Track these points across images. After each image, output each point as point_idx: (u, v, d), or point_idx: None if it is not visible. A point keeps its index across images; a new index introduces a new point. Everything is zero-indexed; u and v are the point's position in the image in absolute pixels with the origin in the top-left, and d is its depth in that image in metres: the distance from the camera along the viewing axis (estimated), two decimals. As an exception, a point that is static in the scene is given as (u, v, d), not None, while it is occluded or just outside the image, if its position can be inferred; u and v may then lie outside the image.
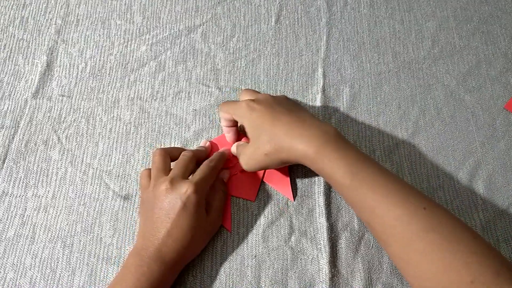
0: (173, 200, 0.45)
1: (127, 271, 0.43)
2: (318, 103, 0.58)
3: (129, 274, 0.43)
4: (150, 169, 0.50)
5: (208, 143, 0.55)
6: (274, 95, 0.52)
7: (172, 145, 0.56)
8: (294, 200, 0.52)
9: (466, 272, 0.36)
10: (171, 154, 0.50)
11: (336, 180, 0.43)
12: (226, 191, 0.52)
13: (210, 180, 0.49)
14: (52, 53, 0.63)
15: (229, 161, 0.54)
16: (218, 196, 0.50)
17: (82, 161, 0.55)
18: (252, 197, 0.52)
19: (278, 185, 0.53)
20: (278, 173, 0.53)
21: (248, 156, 0.48)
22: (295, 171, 0.54)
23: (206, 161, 0.50)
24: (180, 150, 0.51)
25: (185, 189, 0.45)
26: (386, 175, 0.42)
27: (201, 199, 0.46)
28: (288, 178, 0.53)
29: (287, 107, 0.48)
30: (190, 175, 0.48)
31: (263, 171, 0.54)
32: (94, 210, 0.52)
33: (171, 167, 0.49)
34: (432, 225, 0.38)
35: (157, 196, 0.46)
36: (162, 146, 0.56)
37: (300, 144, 0.44)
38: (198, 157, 0.51)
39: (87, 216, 0.52)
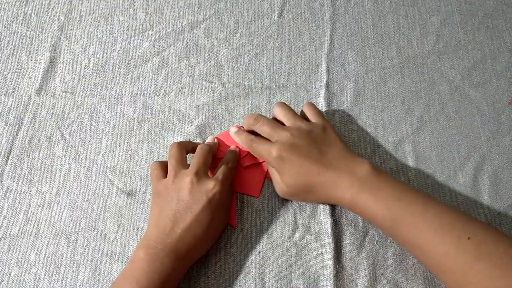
0: (198, 195, 0.45)
1: (137, 265, 0.42)
2: (321, 98, 0.57)
3: (140, 269, 0.42)
4: (161, 162, 0.50)
5: (215, 140, 0.54)
6: (312, 122, 0.51)
7: (175, 141, 0.55)
8: None
9: None
10: (186, 148, 0.51)
11: (377, 223, 0.44)
12: (232, 190, 0.52)
13: (230, 180, 0.49)
14: (55, 50, 0.63)
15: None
16: (229, 195, 0.50)
17: (86, 157, 0.55)
18: (256, 193, 0.52)
19: None
20: None
21: (284, 193, 0.49)
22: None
23: (225, 160, 0.50)
24: (193, 144, 0.52)
25: (212, 186, 0.45)
26: (426, 208, 0.42)
27: (225, 199, 0.47)
28: None
29: (320, 146, 0.47)
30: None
31: (266, 166, 0.53)
32: (98, 206, 0.52)
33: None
34: (480, 255, 0.38)
35: (179, 189, 0.45)
36: (166, 142, 0.56)
37: (335, 193, 0.45)
38: (213, 151, 0.52)
39: (91, 212, 0.52)
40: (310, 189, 0.46)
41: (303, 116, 0.53)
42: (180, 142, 0.51)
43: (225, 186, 0.47)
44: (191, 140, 0.55)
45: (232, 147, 0.54)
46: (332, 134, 0.50)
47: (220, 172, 0.48)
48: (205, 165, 0.48)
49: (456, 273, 0.39)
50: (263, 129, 0.50)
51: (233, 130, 0.53)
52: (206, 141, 0.54)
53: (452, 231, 0.40)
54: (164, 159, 0.54)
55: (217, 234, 0.48)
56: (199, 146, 0.50)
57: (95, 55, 0.62)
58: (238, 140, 0.53)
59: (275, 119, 0.53)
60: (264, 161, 0.53)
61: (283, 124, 0.51)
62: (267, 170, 0.53)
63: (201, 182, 0.45)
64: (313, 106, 0.53)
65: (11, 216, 0.52)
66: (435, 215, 0.41)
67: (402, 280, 0.47)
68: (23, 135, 0.57)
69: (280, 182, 0.48)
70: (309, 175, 0.46)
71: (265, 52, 0.61)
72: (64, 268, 0.49)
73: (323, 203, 0.50)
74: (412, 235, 0.41)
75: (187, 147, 0.51)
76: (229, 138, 0.55)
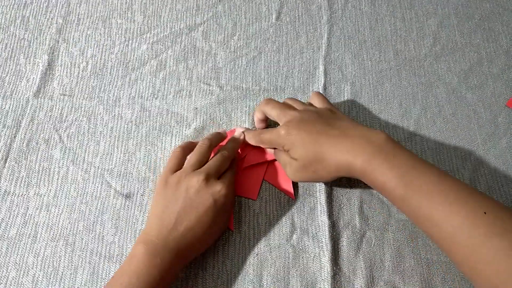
0: (205, 195, 0.45)
1: (137, 260, 0.42)
2: (319, 101, 0.58)
3: (141, 264, 0.42)
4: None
5: (242, 136, 0.54)
6: (318, 107, 0.51)
7: (173, 143, 0.56)
8: (295, 198, 0.52)
9: None
10: (216, 142, 0.52)
11: (388, 191, 0.42)
12: (234, 191, 0.51)
13: (233, 184, 0.50)
14: (53, 53, 0.63)
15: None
16: (232, 200, 0.49)
17: (84, 160, 0.55)
18: (254, 195, 0.52)
19: (279, 183, 0.53)
20: (279, 172, 0.53)
21: (296, 170, 0.47)
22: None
23: (233, 166, 0.51)
24: (222, 137, 0.53)
25: (219, 188, 0.45)
26: (442, 180, 0.40)
27: (228, 203, 0.46)
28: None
29: (328, 120, 0.47)
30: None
31: (264, 169, 0.54)
32: (96, 208, 0.52)
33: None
34: (495, 231, 0.36)
35: (189, 186, 0.45)
36: (163, 145, 0.56)
37: (346, 159, 0.43)
38: (233, 155, 0.52)
39: (89, 214, 0.52)
40: (320, 157, 0.44)
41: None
42: (211, 138, 0.51)
43: (231, 191, 0.47)
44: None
45: (236, 134, 0.53)
46: (341, 113, 0.50)
47: (227, 176, 0.48)
48: (218, 169, 0.48)
49: (467, 249, 0.37)
50: (274, 110, 0.50)
51: (239, 130, 0.53)
52: (236, 133, 0.54)
53: (467, 204, 0.38)
54: (162, 162, 0.55)
55: (217, 236, 0.48)
56: (221, 152, 0.50)
57: (93, 58, 0.62)
58: (248, 139, 0.53)
59: None
60: (261, 162, 0.54)
61: None
62: (265, 173, 0.53)
63: (210, 183, 0.46)
64: (321, 95, 0.53)
65: (8, 219, 0.52)
66: (450, 187, 0.40)
67: (399, 282, 0.47)
68: (21, 137, 0.57)
69: (290, 161, 0.47)
70: (319, 142, 0.45)
71: (262, 55, 0.61)
72: (62, 271, 0.49)
73: (331, 179, 0.47)
74: (424, 205, 0.40)
75: (217, 142, 0.52)
76: (249, 148, 0.55)
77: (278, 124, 0.50)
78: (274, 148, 0.51)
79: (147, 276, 0.41)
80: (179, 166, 0.49)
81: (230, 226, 0.51)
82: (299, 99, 0.57)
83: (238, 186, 0.53)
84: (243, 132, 0.53)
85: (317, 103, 0.52)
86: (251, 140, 0.52)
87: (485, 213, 0.37)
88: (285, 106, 0.50)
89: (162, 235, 0.43)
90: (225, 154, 0.50)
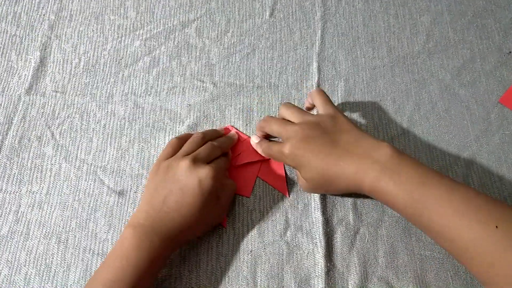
0: (192, 177, 0.45)
1: (127, 243, 0.42)
2: (313, 97, 0.57)
3: (130, 248, 0.42)
4: (180, 140, 0.50)
5: (236, 136, 0.54)
6: (318, 113, 0.50)
7: (167, 140, 0.55)
8: (289, 196, 0.52)
9: None
10: (210, 136, 0.52)
11: (398, 209, 0.42)
12: (235, 190, 0.51)
13: (225, 172, 0.50)
14: (45, 49, 0.62)
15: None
16: (227, 192, 0.49)
17: (76, 157, 0.55)
18: (248, 193, 0.52)
19: (273, 181, 0.53)
20: (273, 169, 0.53)
21: (307, 188, 0.48)
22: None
23: (226, 156, 0.52)
24: (218, 134, 0.53)
25: (206, 171, 0.45)
26: (450, 191, 0.40)
27: (215, 186, 0.46)
28: (284, 175, 0.53)
29: (331, 135, 0.46)
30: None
31: (258, 166, 0.53)
32: (88, 205, 0.52)
33: None
34: (508, 244, 0.36)
35: (177, 169, 0.46)
36: (157, 142, 0.55)
37: (354, 180, 0.43)
38: (224, 148, 0.52)
39: (81, 211, 0.52)
40: (329, 180, 0.44)
41: (310, 104, 0.53)
42: (206, 132, 0.52)
43: (219, 175, 0.47)
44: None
45: (231, 133, 0.55)
46: (344, 121, 0.47)
47: (218, 161, 0.49)
48: (207, 155, 0.48)
49: (483, 263, 0.37)
50: (273, 129, 0.49)
51: (254, 140, 0.53)
52: (252, 138, 0.54)
53: (478, 217, 0.38)
54: (156, 159, 0.54)
55: (208, 222, 0.48)
56: (210, 143, 0.50)
57: (86, 54, 0.62)
58: (260, 151, 0.52)
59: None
60: (256, 161, 0.54)
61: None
62: (259, 171, 0.53)
63: (196, 166, 0.45)
64: (322, 93, 0.51)
65: (0, 216, 0.52)
66: (460, 200, 0.39)
67: (392, 278, 0.47)
68: (13, 134, 0.56)
69: (301, 177, 0.47)
70: (326, 167, 0.44)
71: (256, 52, 0.61)
72: (55, 268, 0.49)
73: (345, 194, 0.50)
74: (436, 221, 0.39)
75: (211, 137, 0.52)
76: (244, 145, 0.55)
77: None
78: None
79: (136, 258, 0.41)
80: (172, 154, 0.49)
81: (223, 224, 0.50)
82: (293, 96, 0.58)
83: None
84: (236, 133, 0.55)
85: (319, 104, 0.50)
86: (264, 152, 0.52)
87: (496, 227, 0.37)
88: (284, 121, 0.49)
89: (150, 218, 0.44)
90: (215, 144, 0.50)
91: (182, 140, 0.51)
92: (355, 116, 0.56)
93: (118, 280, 0.40)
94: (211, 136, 0.52)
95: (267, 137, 0.53)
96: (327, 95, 0.50)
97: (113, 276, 0.41)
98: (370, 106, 0.57)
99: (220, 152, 0.50)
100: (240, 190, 0.52)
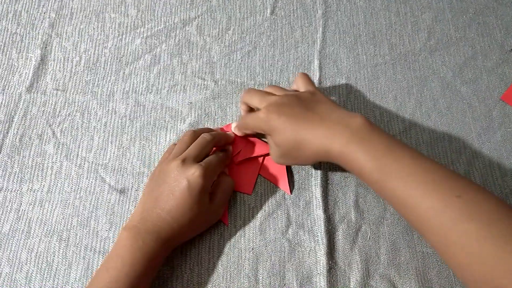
0: (180, 179, 0.45)
1: (121, 245, 0.43)
2: (314, 95, 0.57)
3: (124, 248, 0.43)
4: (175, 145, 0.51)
5: (233, 134, 0.54)
6: (299, 91, 0.51)
7: (168, 138, 0.55)
8: (291, 193, 0.52)
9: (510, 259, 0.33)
10: (201, 133, 0.51)
11: (365, 176, 0.42)
12: (232, 188, 0.51)
13: (218, 169, 0.49)
14: (46, 47, 0.62)
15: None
16: (223, 188, 0.49)
17: (78, 155, 0.55)
18: (249, 190, 0.52)
19: (275, 178, 0.53)
20: (274, 167, 0.53)
21: (278, 156, 0.48)
22: (292, 163, 0.53)
23: (218, 150, 0.51)
24: (209, 131, 0.52)
25: (193, 171, 0.45)
26: (418, 162, 0.40)
27: (207, 185, 0.46)
28: (285, 172, 0.53)
29: (307, 104, 0.47)
30: (204, 158, 0.49)
31: (260, 163, 0.53)
32: (90, 203, 0.52)
33: None
34: (466, 214, 0.36)
35: (166, 172, 0.46)
36: (158, 140, 0.55)
37: (324, 145, 0.43)
38: (217, 141, 0.51)
39: (83, 210, 0.52)
40: (299, 144, 0.45)
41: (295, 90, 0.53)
42: (196, 130, 0.51)
43: (209, 173, 0.46)
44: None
45: (229, 133, 0.54)
46: (321, 95, 0.48)
47: (208, 158, 0.48)
48: (199, 153, 0.48)
49: (439, 232, 0.37)
50: (252, 98, 0.50)
51: (233, 125, 0.54)
52: (233, 127, 0.54)
53: (441, 187, 0.38)
54: (157, 157, 0.54)
55: (204, 224, 0.48)
56: (202, 135, 0.50)
57: (87, 52, 0.62)
58: (236, 132, 0.53)
59: None
60: (256, 157, 0.53)
61: None
62: (260, 168, 0.53)
63: (185, 166, 0.46)
64: (305, 76, 0.52)
65: (1, 215, 0.52)
66: (425, 170, 0.40)
67: (394, 275, 0.47)
68: (14, 133, 0.56)
69: (272, 145, 0.48)
70: (297, 130, 0.44)
71: (257, 49, 0.61)
72: (56, 266, 0.49)
73: (312, 163, 0.50)
74: (400, 188, 0.39)
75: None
76: (244, 142, 0.55)
77: None
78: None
79: (131, 259, 0.42)
80: None
81: (225, 221, 0.50)
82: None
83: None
84: (233, 132, 0.54)
85: (301, 84, 0.51)
86: (236, 130, 0.53)
87: (458, 196, 0.37)
88: (265, 92, 0.50)
89: (143, 220, 0.45)
90: (207, 137, 0.49)
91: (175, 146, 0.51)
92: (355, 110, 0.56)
93: (115, 281, 0.41)
94: (202, 132, 0.52)
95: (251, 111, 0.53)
96: (310, 78, 0.52)
97: (111, 277, 0.41)
98: (371, 103, 0.57)
99: (212, 146, 0.50)
100: (241, 187, 0.52)
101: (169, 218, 0.44)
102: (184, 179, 0.45)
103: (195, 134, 0.51)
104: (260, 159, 0.54)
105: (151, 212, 0.45)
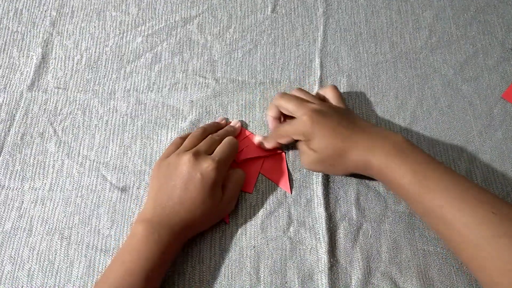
0: (193, 172, 0.45)
1: (136, 239, 0.43)
2: (315, 94, 0.57)
3: (140, 241, 0.43)
4: (182, 140, 0.51)
5: (238, 124, 0.55)
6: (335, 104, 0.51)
7: (169, 136, 0.55)
8: (292, 192, 0.52)
9: None
10: (211, 132, 0.52)
11: (403, 188, 0.43)
12: (243, 179, 0.51)
13: (230, 160, 0.50)
14: (47, 45, 0.62)
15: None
16: (234, 181, 0.50)
17: (79, 153, 0.55)
18: (250, 189, 0.52)
19: (275, 177, 0.53)
20: (276, 166, 0.53)
21: (313, 161, 0.48)
22: (293, 162, 0.53)
23: (227, 139, 0.51)
24: (218, 127, 0.54)
25: (207, 164, 0.46)
26: (455, 179, 0.42)
27: (219, 178, 0.47)
28: (286, 171, 0.53)
29: (348, 116, 0.48)
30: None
31: (261, 162, 0.53)
32: (91, 202, 0.52)
33: None
34: (503, 230, 0.37)
35: (179, 165, 0.46)
36: (159, 138, 0.55)
37: (365, 156, 0.44)
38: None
39: (84, 208, 0.52)
40: (339, 153, 0.46)
41: (321, 96, 0.53)
42: (206, 127, 0.52)
43: (222, 165, 0.47)
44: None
45: (233, 122, 0.55)
46: (357, 115, 0.51)
47: (219, 150, 0.49)
48: (208, 148, 0.49)
49: (475, 247, 0.38)
50: (289, 103, 0.50)
51: (258, 138, 0.54)
52: (257, 140, 0.54)
53: (477, 204, 0.39)
54: (158, 155, 0.54)
55: (216, 216, 0.49)
56: (210, 135, 0.51)
57: (88, 51, 0.62)
58: (267, 144, 0.53)
59: None
60: (258, 156, 0.53)
61: None
62: (261, 167, 0.53)
63: (198, 160, 0.46)
64: (337, 90, 0.52)
65: (3, 213, 0.52)
66: (462, 187, 0.41)
67: (396, 273, 0.47)
68: (15, 131, 0.56)
69: (308, 150, 0.48)
70: (340, 138, 0.46)
71: (258, 48, 0.61)
72: (58, 264, 0.49)
73: (346, 173, 0.50)
74: (437, 204, 0.41)
75: (211, 131, 0.53)
76: (246, 142, 0.55)
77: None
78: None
79: (147, 252, 0.42)
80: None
81: (226, 220, 0.50)
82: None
83: None
84: (239, 121, 0.55)
85: (333, 99, 0.52)
86: (270, 143, 0.52)
87: (493, 212, 0.38)
88: (301, 99, 0.50)
89: (156, 213, 0.45)
90: (215, 137, 0.51)
91: (185, 139, 0.51)
92: (358, 112, 0.56)
93: (130, 274, 0.42)
94: (211, 130, 0.53)
95: (277, 121, 0.53)
96: (341, 94, 0.52)
97: (126, 270, 0.42)
98: (372, 101, 0.57)
99: (219, 141, 0.51)
100: (243, 186, 0.52)
101: (182, 212, 0.45)
102: (198, 173, 0.45)
103: (205, 132, 0.52)
104: (262, 158, 0.54)
105: (164, 205, 0.45)
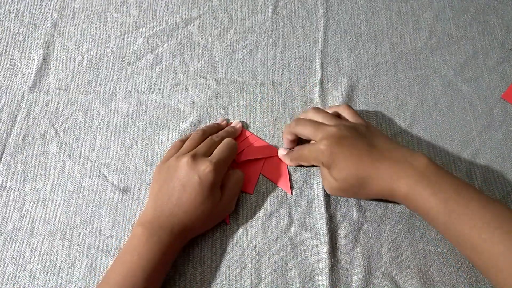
0: (191, 174, 0.46)
1: (138, 241, 0.44)
2: (316, 94, 0.58)
3: (140, 243, 0.43)
4: (182, 143, 0.52)
5: (239, 124, 0.55)
6: (352, 121, 0.50)
7: (170, 137, 0.55)
8: (292, 193, 0.52)
9: None
10: (210, 134, 0.52)
11: (432, 218, 0.42)
12: (242, 179, 0.51)
13: (228, 161, 0.50)
14: (48, 47, 0.62)
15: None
16: (233, 182, 0.50)
17: (80, 154, 0.55)
18: (251, 189, 0.52)
19: (276, 178, 0.53)
20: (276, 167, 0.53)
21: (335, 190, 0.47)
22: (294, 162, 0.54)
23: (225, 140, 0.51)
24: (218, 128, 0.54)
25: (205, 166, 0.46)
26: (485, 205, 0.40)
27: (217, 180, 0.47)
28: (287, 172, 0.53)
29: (367, 139, 0.46)
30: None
31: (262, 163, 0.53)
32: (93, 202, 0.52)
33: None
34: None
35: (177, 168, 0.47)
36: (160, 139, 0.56)
37: (389, 185, 0.43)
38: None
39: (86, 208, 0.52)
40: (362, 182, 0.44)
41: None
42: (206, 129, 0.53)
43: (220, 167, 0.47)
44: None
45: (234, 123, 0.55)
46: (376, 129, 0.49)
47: (217, 152, 0.49)
48: (207, 151, 0.49)
49: (507, 274, 0.38)
50: (306, 129, 0.49)
51: (282, 152, 0.53)
52: (280, 154, 0.53)
53: (509, 231, 0.38)
54: (159, 156, 0.54)
55: (216, 218, 0.49)
56: (210, 137, 0.51)
57: (89, 52, 0.62)
58: (288, 162, 0.53)
59: None
60: (259, 157, 0.54)
61: None
62: (262, 167, 0.53)
63: (196, 162, 0.46)
64: (352, 108, 0.51)
65: (5, 214, 0.52)
66: (494, 214, 0.40)
67: (396, 273, 0.47)
68: (17, 132, 0.57)
69: (330, 178, 0.47)
70: (362, 167, 0.44)
71: (259, 49, 0.61)
72: (59, 265, 0.49)
73: (374, 199, 0.49)
74: (467, 233, 0.40)
75: (212, 132, 0.53)
76: (247, 142, 0.55)
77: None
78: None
79: (147, 253, 0.43)
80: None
81: (227, 220, 0.51)
82: (296, 93, 0.58)
83: None
84: (240, 122, 0.55)
85: (349, 116, 0.51)
86: (292, 162, 0.52)
87: None
88: (317, 122, 0.49)
89: (156, 215, 0.46)
90: (215, 139, 0.51)
91: (184, 141, 0.52)
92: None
93: (131, 275, 0.42)
94: (211, 131, 0.53)
95: (294, 142, 0.53)
96: (354, 109, 0.52)
97: (127, 271, 0.42)
98: (373, 102, 0.57)
99: (218, 143, 0.51)
100: (243, 186, 0.52)
101: (181, 214, 0.45)
102: (195, 175, 0.45)
103: (205, 134, 0.52)
104: (263, 159, 0.54)
105: (163, 208, 0.46)
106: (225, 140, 0.51)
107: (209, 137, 0.51)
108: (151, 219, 0.45)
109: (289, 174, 0.53)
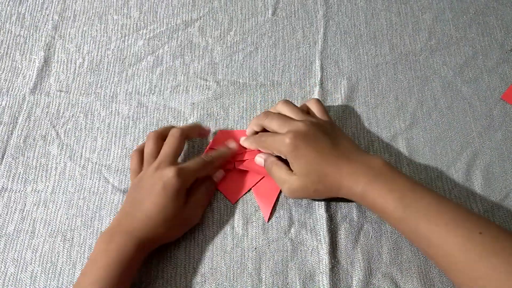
0: (155, 180, 0.46)
1: (96, 249, 0.44)
2: (316, 95, 0.58)
3: (98, 252, 0.44)
4: (139, 152, 0.52)
5: (233, 144, 0.53)
6: (318, 118, 0.51)
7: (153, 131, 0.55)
8: (268, 221, 0.51)
9: None
10: (162, 137, 0.52)
11: (387, 214, 0.43)
12: (212, 190, 0.52)
13: (200, 172, 0.49)
14: (49, 49, 0.63)
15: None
16: (202, 190, 0.50)
17: (81, 155, 0.55)
18: (234, 199, 0.52)
19: (262, 200, 0.52)
20: (268, 191, 0.52)
21: (295, 189, 0.47)
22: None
23: (204, 154, 0.51)
24: (170, 129, 0.52)
25: (167, 172, 0.46)
26: (439, 202, 0.42)
27: (182, 185, 0.47)
28: (274, 199, 0.52)
29: (332, 139, 0.47)
30: (180, 153, 0.50)
31: (256, 180, 0.53)
32: (93, 204, 0.52)
33: None
34: (491, 249, 0.38)
35: (144, 179, 0.47)
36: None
37: (348, 182, 0.44)
38: (188, 133, 0.52)
39: (87, 210, 0.52)
40: (322, 179, 0.45)
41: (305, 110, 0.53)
42: (157, 131, 0.52)
43: (186, 174, 0.47)
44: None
45: (232, 144, 0.53)
46: (340, 130, 0.51)
47: (189, 161, 0.49)
48: (172, 154, 0.49)
49: (465, 268, 0.38)
50: (273, 122, 0.49)
51: (242, 139, 0.53)
52: (242, 140, 0.53)
53: (464, 225, 0.39)
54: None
55: (181, 227, 0.49)
56: (170, 132, 0.51)
57: (90, 54, 0.62)
58: (248, 145, 0.52)
59: None
60: (256, 176, 0.53)
61: None
62: (255, 184, 0.53)
63: (161, 169, 0.47)
64: (321, 104, 0.52)
65: (6, 215, 0.52)
66: (446, 208, 0.41)
67: (397, 274, 0.47)
68: (18, 134, 0.57)
69: (289, 179, 0.47)
70: (324, 163, 0.45)
71: (259, 50, 0.62)
72: (60, 266, 0.49)
73: (329, 199, 0.50)
74: (423, 227, 0.41)
75: (165, 134, 0.52)
76: (232, 136, 0.55)
77: None
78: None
79: (105, 263, 0.42)
80: (138, 168, 0.51)
81: (232, 200, 0.51)
82: (296, 94, 0.58)
83: (223, 182, 0.53)
84: (239, 143, 0.53)
85: (317, 112, 0.51)
86: (252, 144, 0.52)
87: (480, 233, 0.39)
88: (286, 117, 0.50)
89: (118, 221, 0.46)
90: (175, 134, 0.50)
91: (140, 151, 0.52)
92: (358, 114, 0.57)
93: (92, 284, 0.42)
94: (163, 134, 0.52)
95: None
96: (324, 106, 0.52)
97: (87, 282, 0.42)
98: (373, 103, 0.57)
99: (184, 139, 0.51)
100: (229, 193, 0.52)
101: (144, 217, 0.45)
102: (160, 181, 0.46)
103: (157, 134, 0.51)
104: (259, 177, 0.53)
105: (127, 214, 0.46)
106: (203, 155, 0.51)
107: (170, 133, 0.51)
108: (113, 227, 0.46)
109: (276, 202, 0.52)
